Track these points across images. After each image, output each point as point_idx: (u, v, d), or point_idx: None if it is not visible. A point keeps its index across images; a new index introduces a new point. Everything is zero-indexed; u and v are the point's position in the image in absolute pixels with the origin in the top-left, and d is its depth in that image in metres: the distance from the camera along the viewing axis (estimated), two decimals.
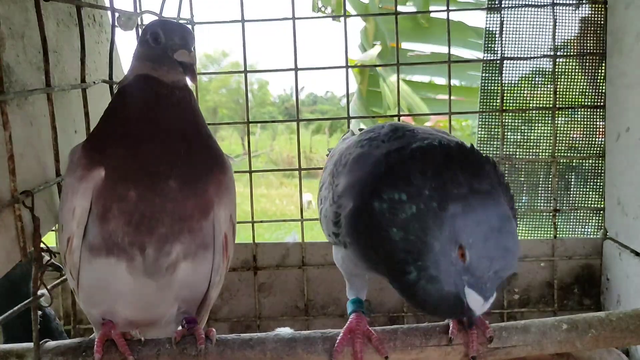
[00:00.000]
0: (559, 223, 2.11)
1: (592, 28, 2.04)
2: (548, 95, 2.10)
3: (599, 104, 2.05)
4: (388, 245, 1.08)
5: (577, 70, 2.09)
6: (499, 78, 2.06)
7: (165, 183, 1.15)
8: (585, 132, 2.11)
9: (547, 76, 2.13)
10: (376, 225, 1.10)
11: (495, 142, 2.12)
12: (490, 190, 1.06)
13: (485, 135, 2.15)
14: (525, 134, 2.19)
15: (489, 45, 2.12)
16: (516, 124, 2.19)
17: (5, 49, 1.20)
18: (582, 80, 2.09)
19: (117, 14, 1.59)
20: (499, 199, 1.06)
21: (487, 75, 2.14)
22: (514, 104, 2.13)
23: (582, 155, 2.11)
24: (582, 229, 2.14)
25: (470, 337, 1.24)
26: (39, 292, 1.25)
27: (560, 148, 2.10)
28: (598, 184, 2.09)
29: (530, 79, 2.16)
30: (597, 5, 2.02)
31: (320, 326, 2.07)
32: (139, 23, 1.73)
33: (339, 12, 4.40)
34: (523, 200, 2.17)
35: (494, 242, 1.01)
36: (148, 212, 1.14)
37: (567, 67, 2.09)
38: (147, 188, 1.14)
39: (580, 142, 2.12)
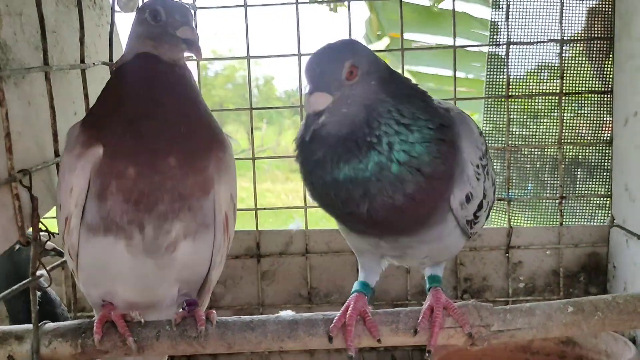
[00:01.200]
0: (565, 210, 2.09)
1: (600, 12, 2.02)
2: (555, 82, 2.07)
3: (606, 89, 2.02)
4: None
5: (584, 56, 2.06)
6: (505, 64, 2.03)
7: (164, 160, 1.13)
8: (592, 119, 2.08)
9: (554, 62, 2.10)
10: None
11: (501, 130, 2.09)
12: None
13: (492, 123, 2.13)
14: (532, 121, 2.17)
15: (495, 31, 2.10)
16: (522, 111, 2.17)
17: (2, 25, 1.18)
18: (590, 66, 2.06)
19: None
20: None
21: (492, 62, 2.11)
22: (520, 91, 2.11)
23: (589, 141, 2.08)
24: (589, 217, 2.11)
25: (432, 328, 1.22)
26: (38, 273, 1.23)
27: (566, 135, 2.07)
28: (605, 170, 2.07)
29: (536, 65, 2.14)
30: None
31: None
32: (139, 5, 1.71)
33: (335, 6, 4.38)
34: (529, 188, 2.15)
35: None
36: (147, 190, 1.13)
37: (574, 52, 2.06)
38: (146, 165, 1.12)
39: (587, 128, 2.09)
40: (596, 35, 2.01)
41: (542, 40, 2.05)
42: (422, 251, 1.30)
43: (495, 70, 2.10)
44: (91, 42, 1.55)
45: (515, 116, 2.13)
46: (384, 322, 1.25)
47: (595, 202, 2.10)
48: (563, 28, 2.00)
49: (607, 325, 1.25)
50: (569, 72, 2.05)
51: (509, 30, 2.02)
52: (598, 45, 2.03)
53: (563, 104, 2.03)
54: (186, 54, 1.22)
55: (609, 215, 2.04)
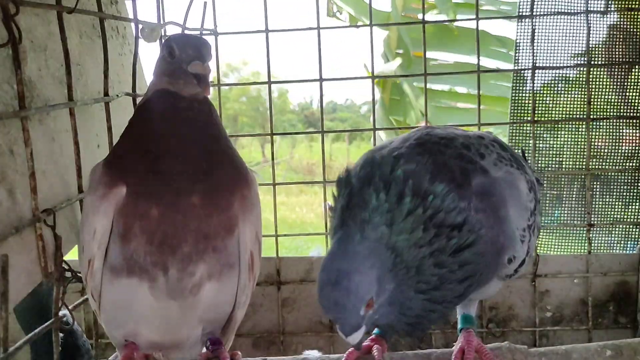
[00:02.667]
0: (593, 238, 2.03)
1: (628, 37, 1.98)
2: (582, 106, 2.03)
3: (635, 114, 1.97)
4: None
5: (612, 79, 2.02)
6: (531, 88, 1.99)
7: (187, 199, 1.11)
8: (620, 143, 2.03)
9: (580, 86, 2.06)
10: None
11: (526, 154, 2.05)
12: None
13: (517, 146, 2.08)
14: (558, 146, 2.12)
15: (520, 53, 2.06)
16: (548, 135, 2.13)
17: (27, 62, 1.17)
18: (619, 90, 2.02)
19: (140, 26, 1.57)
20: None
21: (517, 85, 2.08)
22: (546, 115, 2.07)
23: (617, 167, 2.03)
24: (618, 244, 2.06)
25: None
26: (61, 313, 1.21)
27: (594, 160, 2.02)
28: (635, 197, 2.02)
29: (562, 88, 2.10)
30: (629, 13, 1.95)
31: (344, 343, 2.01)
32: (162, 34, 1.70)
33: (353, 21, 4.37)
34: (555, 215, 2.10)
35: None
36: (171, 231, 1.10)
37: (602, 76, 2.02)
38: (169, 205, 1.10)
39: (616, 153, 2.04)
40: (625, 60, 1.97)
41: (568, 65, 2.01)
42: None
43: (520, 89, 2.06)
44: (114, 72, 1.54)
45: (541, 139, 2.08)
46: None
47: (624, 229, 2.05)
48: (590, 52, 1.96)
49: None
50: (596, 96, 2.01)
51: (535, 54, 1.99)
52: (627, 70, 1.99)
53: (591, 128, 1.99)
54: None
55: (639, 243, 1.98)
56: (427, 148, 1.14)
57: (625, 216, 2.05)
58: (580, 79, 2.05)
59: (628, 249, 2.05)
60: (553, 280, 2.03)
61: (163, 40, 1.66)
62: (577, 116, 2.04)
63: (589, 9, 1.95)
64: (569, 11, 1.99)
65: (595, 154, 2.03)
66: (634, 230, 2.03)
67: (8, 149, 1.07)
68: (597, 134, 2.04)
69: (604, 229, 2.06)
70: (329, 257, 1.05)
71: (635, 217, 2.02)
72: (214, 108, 1.20)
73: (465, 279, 1.05)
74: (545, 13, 1.99)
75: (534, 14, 1.98)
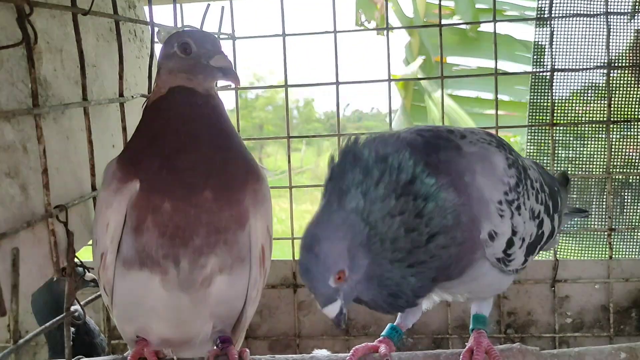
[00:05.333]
0: (614, 243, 2.00)
1: None
2: (601, 109, 2.00)
3: None
4: None
5: (632, 83, 1.98)
6: (549, 91, 1.97)
7: (200, 194, 1.12)
8: None
9: (600, 89, 2.03)
10: None
11: (545, 158, 2.03)
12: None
13: (535, 151, 2.06)
14: (577, 149, 2.09)
15: (539, 57, 2.04)
16: (567, 139, 2.10)
17: (43, 62, 1.20)
18: (638, 93, 1.98)
19: (156, 29, 1.59)
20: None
21: (536, 88, 2.06)
22: (565, 118, 2.04)
23: (639, 170, 1.99)
24: None
25: None
26: (72, 309, 1.23)
27: (615, 163, 1.99)
28: None
29: (582, 91, 2.07)
30: None
31: None
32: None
33: (382, 26, 4.37)
34: (575, 219, 2.07)
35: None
36: (183, 224, 1.11)
37: (622, 79, 1.99)
38: (181, 199, 1.11)
39: (637, 156, 2.00)
40: None
41: (588, 67, 1.98)
42: (463, 290, 1.26)
43: (539, 93, 2.04)
44: (131, 75, 1.57)
45: (560, 141, 2.06)
46: None
47: None
48: (610, 54, 1.93)
49: None
50: (616, 98, 1.98)
51: (553, 56, 1.97)
52: None
53: (612, 131, 1.96)
54: (223, 83, 1.20)
55: None
56: (409, 133, 1.17)
57: None
58: (601, 81, 2.02)
59: None
60: (573, 286, 1.99)
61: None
62: (598, 119, 2.01)
63: (608, 10, 1.93)
64: (589, 13, 1.96)
65: (616, 157, 1.99)
66: None
67: (22, 146, 1.10)
68: (618, 136, 2.00)
69: (626, 233, 2.02)
70: (310, 223, 1.07)
71: None
72: (223, 104, 1.22)
73: (432, 236, 1.05)
74: (564, 15, 1.97)
75: (553, 16, 1.97)
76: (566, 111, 2.06)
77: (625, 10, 1.93)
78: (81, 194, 1.30)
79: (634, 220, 2.02)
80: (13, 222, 1.06)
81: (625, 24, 1.97)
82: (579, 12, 1.97)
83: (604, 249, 2.01)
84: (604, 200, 1.99)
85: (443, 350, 1.25)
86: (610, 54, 1.93)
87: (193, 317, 1.23)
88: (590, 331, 2.00)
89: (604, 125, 1.96)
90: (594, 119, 2.03)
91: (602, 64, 1.96)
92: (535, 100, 2.06)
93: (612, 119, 1.95)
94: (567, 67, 1.99)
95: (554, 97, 1.95)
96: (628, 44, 1.97)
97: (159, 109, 1.18)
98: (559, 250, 2.00)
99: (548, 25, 1.97)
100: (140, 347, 1.23)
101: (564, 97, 2.04)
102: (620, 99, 1.99)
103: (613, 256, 1.98)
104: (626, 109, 1.99)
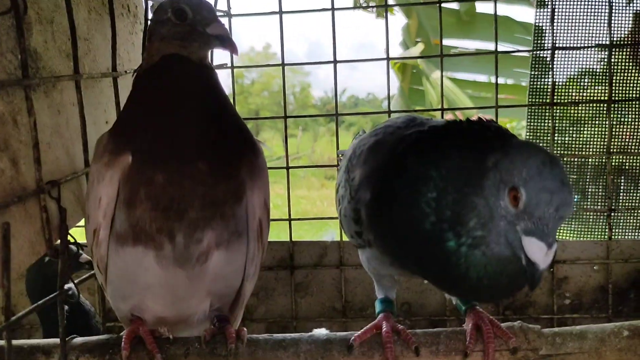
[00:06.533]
0: (614, 224, 1.99)
1: None
2: (602, 89, 1.97)
3: None
4: (417, 222, 0.99)
5: (633, 61, 1.96)
6: (550, 69, 1.94)
7: (194, 165, 1.09)
8: None
9: (601, 68, 2.01)
10: (401, 206, 1.02)
11: (545, 138, 2.00)
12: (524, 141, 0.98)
13: (535, 131, 2.04)
14: (578, 129, 2.07)
15: (539, 38, 2.01)
16: (567, 119, 2.08)
17: (33, 33, 1.16)
18: (638, 72, 1.96)
19: (151, 3, 1.56)
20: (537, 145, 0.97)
21: (536, 67, 2.03)
22: (565, 97, 2.02)
23: (638, 150, 1.97)
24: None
25: (487, 348, 1.15)
26: (66, 287, 1.20)
27: (615, 144, 1.97)
28: None
29: (582, 70, 2.04)
30: None
31: (358, 328, 1.95)
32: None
33: (380, 13, 4.33)
34: (575, 199, 2.05)
35: (549, 173, 0.91)
36: (177, 196, 1.09)
37: (623, 58, 1.96)
38: (175, 171, 1.08)
39: (636, 137, 1.98)
40: None
41: (589, 45, 1.95)
42: None
43: (539, 75, 2.01)
44: (124, 51, 1.53)
45: (559, 123, 2.04)
46: (424, 343, 1.20)
47: None
48: (612, 31, 1.91)
49: None
50: (617, 78, 1.95)
51: (554, 34, 1.94)
52: None
53: (613, 110, 1.93)
54: (219, 50, 1.18)
55: None
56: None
57: None
58: (602, 61, 2.00)
59: None
60: (572, 267, 1.99)
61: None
62: (599, 98, 1.99)
63: None
64: None
65: (616, 137, 1.97)
66: None
67: (11, 118, 1.07)
68: (619, 116, 1.98)
69: (626, 214, 2.00)
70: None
71: None
72: (216, 73, 1.19)
73: None
74: None
75: None
76: (567, 92, 2.04)
77: None
78: (74, 170, 1.27)
79: (634, 201, 2.00)
80: (3, 196, 1.03)
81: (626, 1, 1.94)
82: None
83: (603, 230, 2.00)
84: (604, 180, 1.98)
85: (444, 329, 1.23)
86: (612, 32, 1.90)
87: (189, 295, 1.21)
88: (589, 312, 1.99)
89: (604, 106, 1.94)
90: (595, 98, 2.01)
91: (603, 42, 1.93)
92: (535, 82, 2.04)
93: (613, 98, 1.93)
94: (568, 45, 1.96)
95: (554, 78, 1.94)
96: (630, 22, 1.94)
97: (151, 78, 1.15)
98: (558, 230, 1.98)
99: (550, 4, 1.94)
100: (136, 326, 1.20)
101: (564, 78, 2.02)
102: (621, 78, 1.96)
103: (613, 237, 1.97)
104: (626, 89, 1.96)
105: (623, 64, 1.97)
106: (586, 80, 2.06)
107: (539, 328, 1.19)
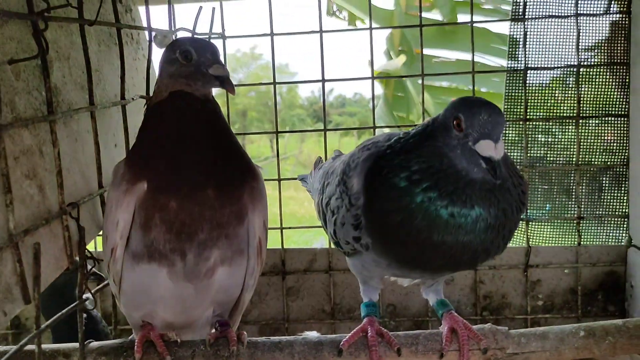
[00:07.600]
0: (583, 231, 2.13)
1: (618, 37, 2.06)
2: (572, 104, 2.12)
3: (623, 112, 2.07)
4: (394, 188, 1.20)
5: (601, 80, 2.10)
6: (523, 88, 2.09)
7: (203, 192, 1.21)
8: (609, 140, 2.12)
9: (571, 85, 2.15)
10: (382, 186, 1.21)
11: (518, 150, 2.15)
12: None
13: (509, 143, 2.18)
14: (549, 142, 2.22)
15: (513, 52, 2.15)
16: (540, 132, 2.21)
17: (53, 70, 1.29)
18: (607, 90, 2.11)
19: (153, 33, 1.67)
20: None
21: (511, 84, 2.17)
22: (538, 113, 2.16)
23: (606, 163, 2.13)
24: (607, 237, 2.15)
25: (462, 349, 1.30)
26: (84, 297, 1.33)
27: (584, 156, 2.12)
28: (622, 191, 2.11)
29: (554, 88, 2.19)
30: (621, 15, 2.04)
31: (346, 329, 2.09)
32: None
33: (352, 19, 4.43)
34: (547, 208, 2.20)
35: (475, 100, 1.17)
36: (188, 220, 1.21)
37: (591, 76, 2.11)
38: (186, 198, 1.21)
39: (603, 150, 2.13)
40: (613, 61, 2.06)
41: (559, 65, 2.10)
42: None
43: (514, 88, 2.15)
44: (129, 76, 1.65)
45: (533, 136, 2.17)
46: (404, 343, 1.33)
47: (612, 222, 2.14)
48: (580, 52, 2.05)
49: (618, 350, 1.31)
50: (586, 96, 2.10)
51: (527, 54, 2.08)
52: (614, 70, 2.07)
53: (580, 126, 2.09)
54: (219, 90, 1.30)
55: (627, 235, 2.08)
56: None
57: (614, 209, 2.14)
58: (571, 79, 2.14)
59: (616, 240, 2.14)
60: (544, 271, 2.13)
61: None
62: (568, 114, 2.14)
63: (578, 12, 2.05)
64: (560, 14, 2.08)
65: (584, 150, 2.12)
66: (621, 222, 2.12)
67: (38, 149, 1.20)
68: (586, 131, 2.13)
69: (593, 221, 2.14)
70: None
71: (622, 210, 2.11)
72: (219, 106, 1.32)
73: None
74: (537, 16, 2.08)
75: (526, 17, 2.08)
76: (539, 106, 2.17)
77: (595, 12, 2.05)
78: (89, 192, 1.40)
79: (601, 209, 2.15)
80: (33, 219, 1.15)
81: (595, 23, 2.08)
82: (550, 13, 2.08)
83: (573, 236, 2.14)
84: (574, 190, 2.12)
85: (422, 331, 1.37)
86: (580, 53, 2.05)
87: (196, 304, 1.35)
88: (560, 312, 2.14)
89: (573, 121, 2.10)
90: (565, 114, 2.15)
91: (572, 64, 2.08)
92: (510, 95, 2.17)
93: (581, 115, 2.09)
94: (539, 65, 2.11)
95: (527, 94, 2.08)
96: (598, 43, 2.09)
97: (162, 113, 1.27)
98: (531, 237, 2.13)
99: (522, 26, 2.08)
100: (147, 330, 1.33)
101: (537, 94, 2.15)
102: (589, 95, 2.11)
103: (582, 243, 2.11)
104: (595, 105, 2.11)
105: (591, 82, 2.12)
106: (557, 96, 2.20)
107: (506, 329, 1.33)
